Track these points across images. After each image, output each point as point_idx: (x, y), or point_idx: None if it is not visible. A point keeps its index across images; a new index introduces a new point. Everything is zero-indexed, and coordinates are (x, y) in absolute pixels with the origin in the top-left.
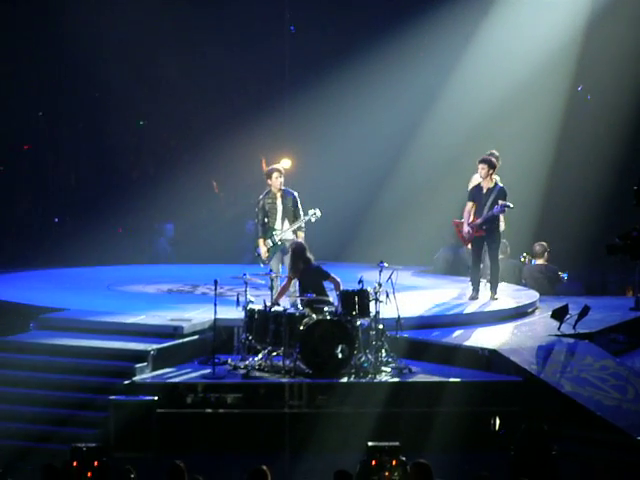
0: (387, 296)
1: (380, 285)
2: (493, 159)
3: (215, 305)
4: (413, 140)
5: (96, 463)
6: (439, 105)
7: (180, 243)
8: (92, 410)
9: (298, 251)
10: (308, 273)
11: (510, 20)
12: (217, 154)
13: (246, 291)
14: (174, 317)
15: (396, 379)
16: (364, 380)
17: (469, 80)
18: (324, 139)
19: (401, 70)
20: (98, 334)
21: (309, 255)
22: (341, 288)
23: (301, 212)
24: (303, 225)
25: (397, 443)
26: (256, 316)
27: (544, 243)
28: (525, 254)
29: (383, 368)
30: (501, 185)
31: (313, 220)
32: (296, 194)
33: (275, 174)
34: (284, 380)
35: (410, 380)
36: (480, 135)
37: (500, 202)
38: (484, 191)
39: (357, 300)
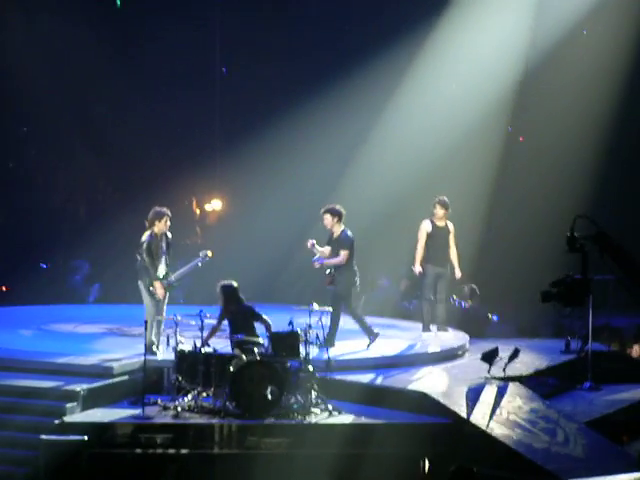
0: (317, 338)
1: (310, 327)
2: (336, 207)
3: (145, 346)
4: (348, 181)
5: None
6: (376, 148)
7: (107, 282)
8: (22, 449)
9: (229, 291)
10: (239, 313)
11: (447, 66)
12: (150, 196)
13: (176, 332)
14: (104, 357)
15: (326, 420)
16: (294, 421)
17: (407, 123)
18: (256, 181)
19: (338, 112)
20: (29, 373)
21: (240, 295)
22: (272, 329)
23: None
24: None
25: None
26: (186, 357)
27: (473, 285)
28: (454, 296)
29: (313, 409)
30: (346, 232)
31: (206, 259)
32: (170, 236)
33: (165, 218)
34: (214, 421)
35: (339, 422)
36: (418, 180)
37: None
38: (334, 237)
39: (287, 342)
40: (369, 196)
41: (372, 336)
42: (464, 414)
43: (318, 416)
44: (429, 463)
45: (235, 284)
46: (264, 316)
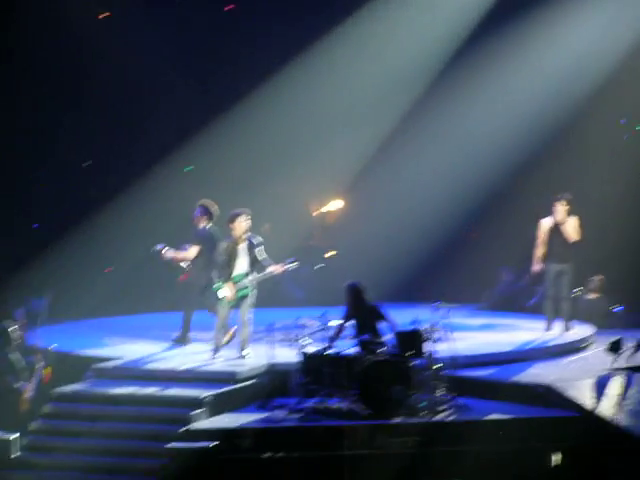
0: (442, 335)
1: (435, 324)
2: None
3: (271, 349)
4: (461, 170)
5: None
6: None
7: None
8: (149, 458)
9: (355, 292)
10: (364, 313)
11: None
12: (269, 201)
13: (301, 334)
14: (229, 363)
15: (453, 418)
16: (421, 420)
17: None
18: (373, 177)
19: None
20: (153, 381)
21: (366, 295)
22: (396, 329)
23: (260, 257)
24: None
25: None
26: (312, 359)
27: (601, 277)
28: (581, 288)
29: (439, 407)
30: (204, 229)
31: (292, 266)
32: (256, 240)
33: (239, 219)
34: (342, 422)
35: (467, 418)
36: (539, 169)
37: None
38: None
39: (412, 340)
40: (486, 187)
41: (181, 343)
42: (591, 406)
43: (445, 414)
44: (558, 457)
45: (360, 283)
46: (387, 316)
